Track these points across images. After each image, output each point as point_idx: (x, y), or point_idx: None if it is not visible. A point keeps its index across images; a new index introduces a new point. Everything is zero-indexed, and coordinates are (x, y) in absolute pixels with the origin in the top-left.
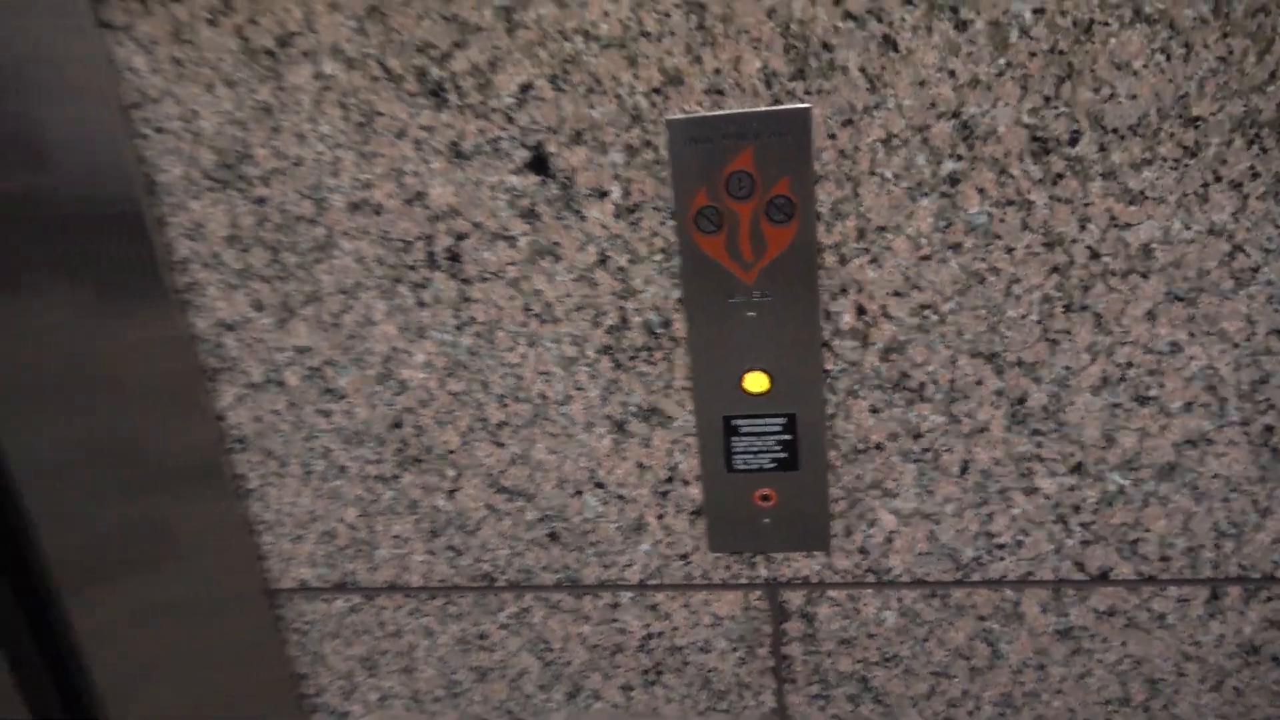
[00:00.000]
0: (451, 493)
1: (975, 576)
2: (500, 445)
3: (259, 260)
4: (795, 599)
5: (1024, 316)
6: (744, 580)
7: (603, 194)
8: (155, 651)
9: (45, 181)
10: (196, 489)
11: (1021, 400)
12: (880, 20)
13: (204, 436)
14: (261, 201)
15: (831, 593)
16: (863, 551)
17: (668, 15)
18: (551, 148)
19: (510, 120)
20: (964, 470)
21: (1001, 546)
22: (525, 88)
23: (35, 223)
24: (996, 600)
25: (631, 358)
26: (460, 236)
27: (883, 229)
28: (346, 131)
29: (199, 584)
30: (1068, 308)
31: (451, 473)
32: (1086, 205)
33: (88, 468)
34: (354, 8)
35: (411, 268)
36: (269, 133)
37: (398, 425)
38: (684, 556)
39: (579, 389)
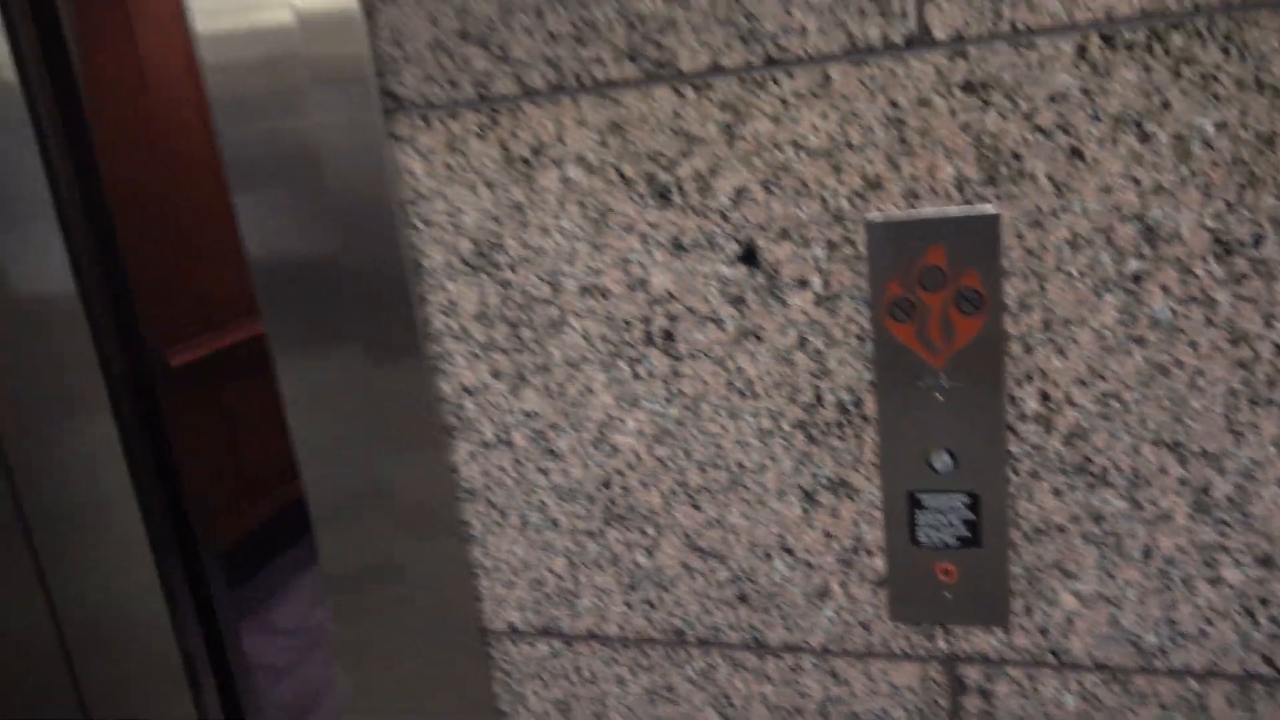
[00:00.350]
0: (650, 550)
1: (1158, 664)
2: (698, 508)
3: (500, 335)
4: (974, 674)
5: (1208, 409)
6: (923, 652)
7: (804, 284)
8: (379, 675)
9: (333, 257)
10: (428, 533)
11: (1206, 490)
12: (1067, 133)
13: (440, 487)
14: (507, 285)
15: (1010, 670)
16: (1043, 631)
17: (870, 129)
18: (761, 243)
19: (725, 219)
20: (1147, 556)
21: (1185, 635)
22: (740, 191)
23: (323, 291)
24: (1180, 690)
25: (824, 433)
26: (675, 319)
27: (1068, 322)
28: (583, 226)
29: (423, 620)
30: (1254, 402)
31: (652, 531)
32: (1272, 304)
33: (354, 511)
34: (598, 124)
35: (630, 345)
36: (519, 226)
37: (606, 485)
38: (865, 625)
39: (773, 459)
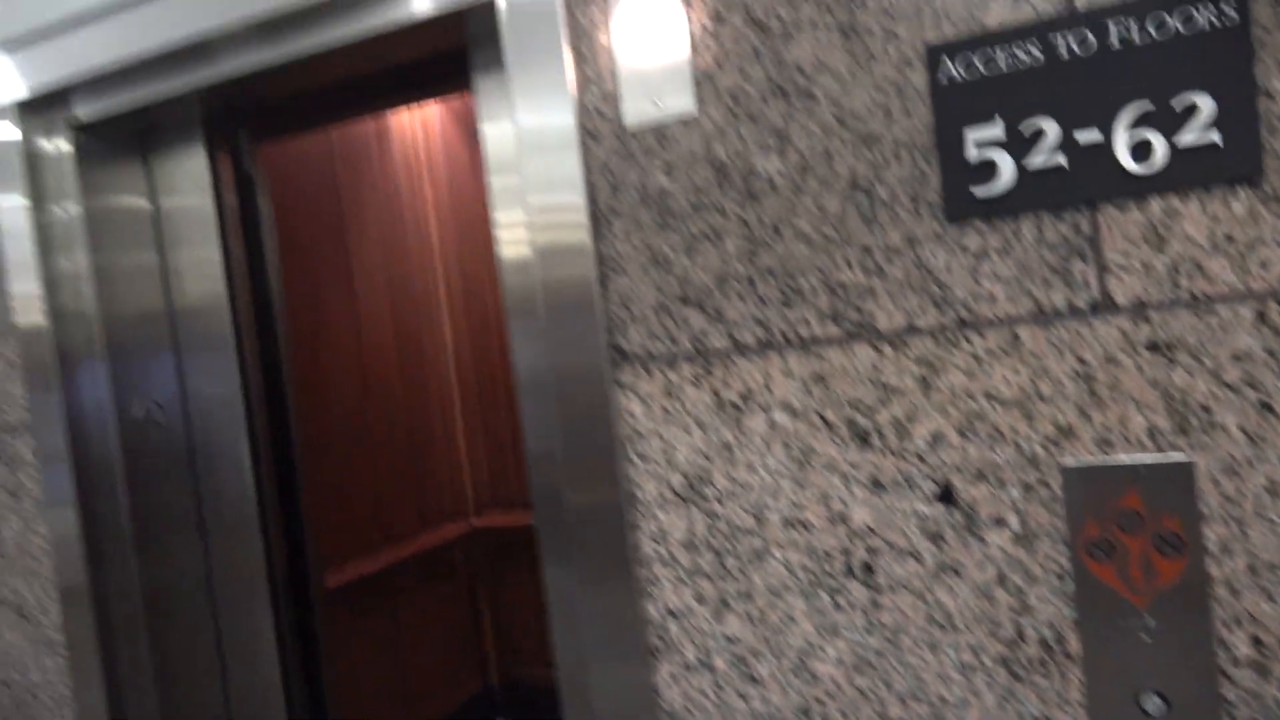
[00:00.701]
0: None
1: None
2: None
3: (706, 562)
4: None
5: None
6: None
7: (1002, 523)
8: None
9: (561, 487)
10: None
11: None
12: (1255, 389)
13: (641, 707)
14: (714, 516)
15: None
16: None
17: (1061, 383)
18: (957, 483)
19: (923, 460)
20: None
21: None
22: (936, 435)
23: (550, 516)
24: None
25: (1027, 669)
26: (874, 552)
27: (1274, 566)
28: (787, 465)
29: None
30: None
31: None
32: None
33: None
34: (803, 375)
35: (831, 576)
36: (727, 463)
37: (806, 713)
38: None
39: (976, 695)
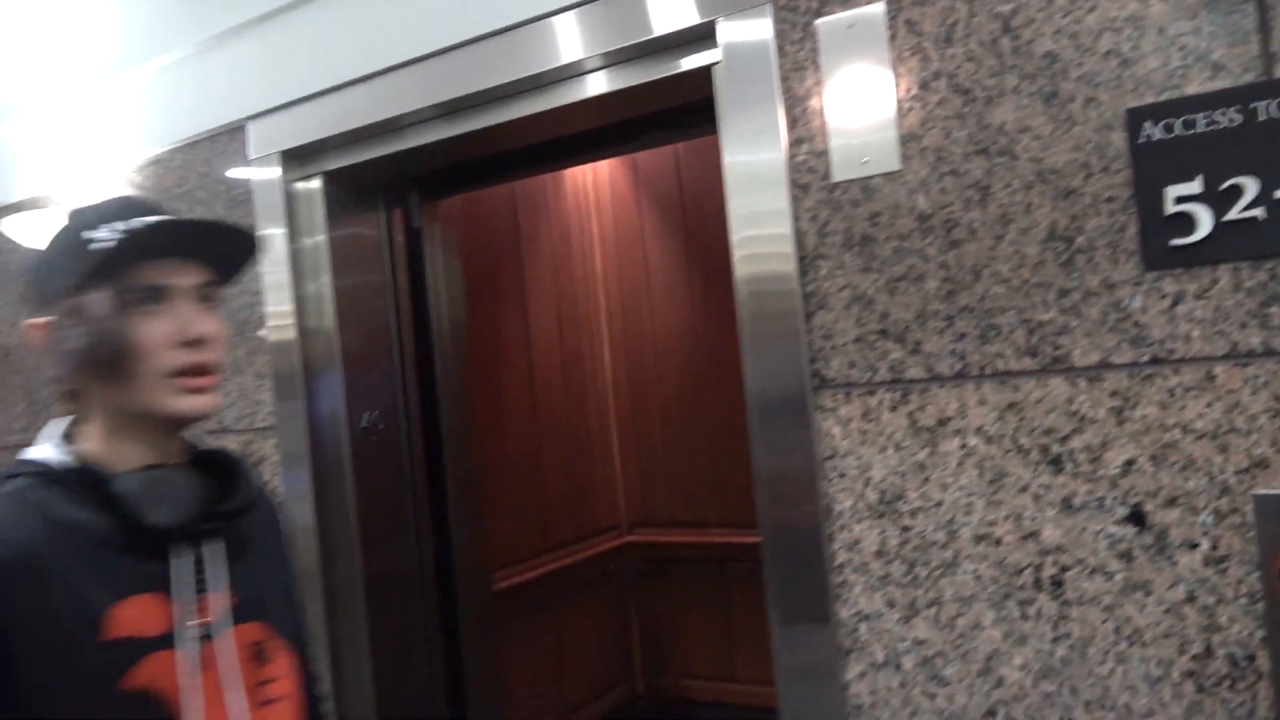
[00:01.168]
0: None
1: None
2: None
3: (897, 571)
4: None
5: None
6: None
7: (1193, 546)
8: None
9: (763, 500)
10: None
11: None
12: None
13: (833, 705)
14: (906, 529)
15: None
16: None
17: (1255, 418)
18: (1148, 507)
19: (1114, 485)
20: None
21: None
22: (1129, 463)
23: (766, 527)
24: None
25: (1215, 684)
26: (1064, 568)
27: None
28: (980, 486)
29: None
30: None
31: None
32: None
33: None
34: (997, 404)
35: (1020, 588)
36: (920, 482)
37: (991, 714)
38: None
39: (1162, 705)
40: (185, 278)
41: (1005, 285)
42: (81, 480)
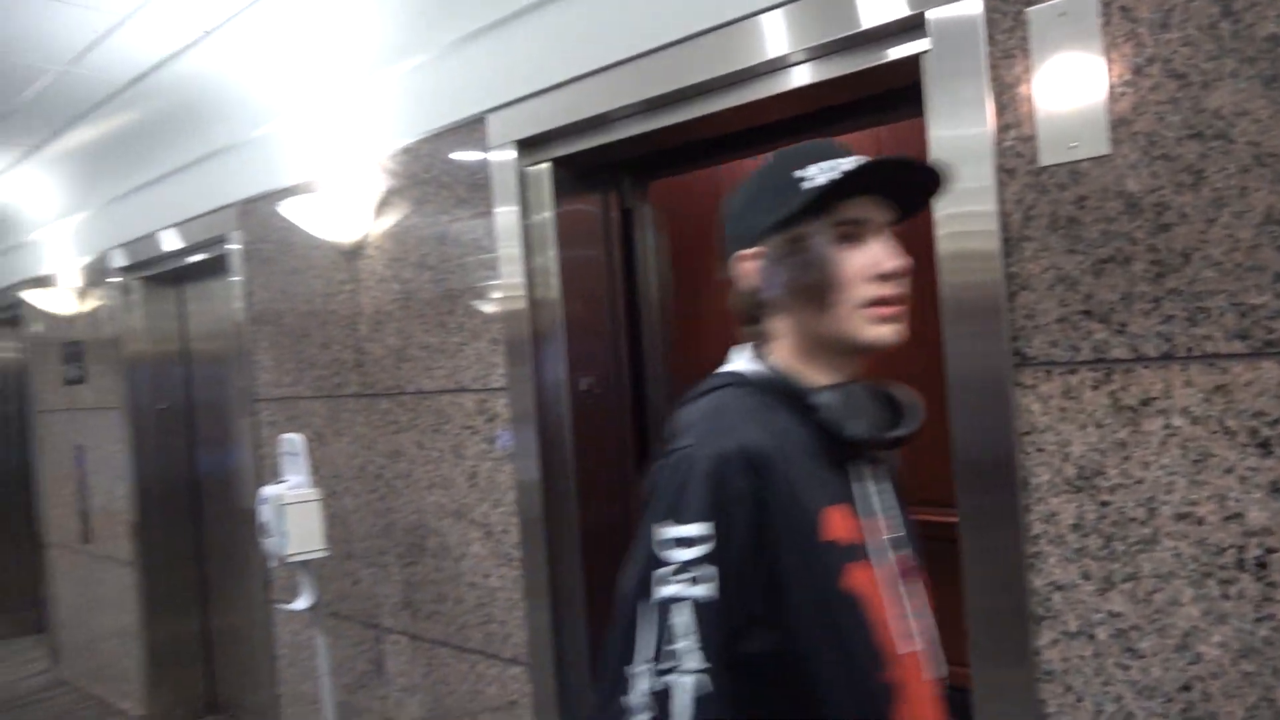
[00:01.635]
0: None
1: None
2: None
3: (1093, 544)
4: None
5: None
6: None
7: None
8: None
9: (962, 472)
10: (1008, 709)
11: None
12: None
13: (1024, 670)
14: (1105, 504)
15: None
16: None
17: None
18: None
19: None
20: None
21: None
22: None
23: (965, 496)
24: None
25: None
26: (1269, 550)
27: None
28: (1183, 465)
29: None
30: None
31: None
32: None
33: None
34: (1204, 386)
35: (1222, 568)
36: (1121, 460)
37: (1187, 689)
38: None
39: None
40: (879, 213)
41: (1217, 269)
42: (785, 391)
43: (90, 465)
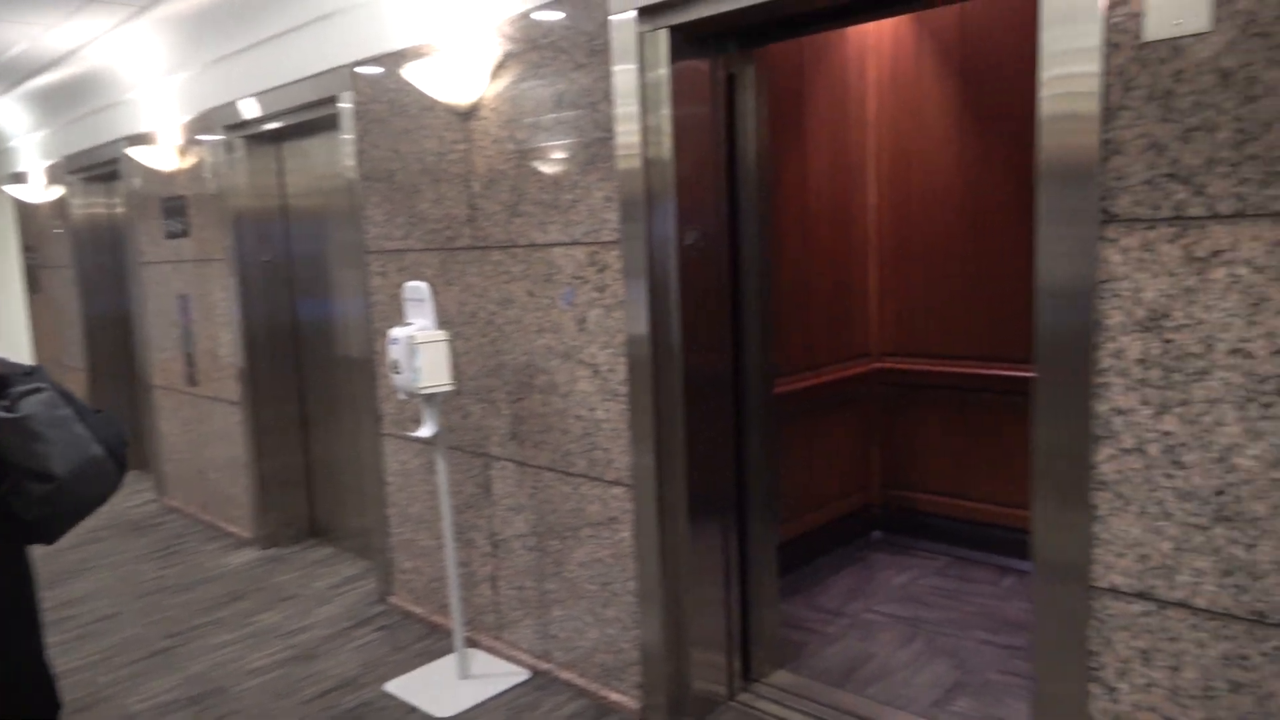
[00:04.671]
0: (1250, 547)
1: None
2: None
3: (1154, 375)
4: None
5: None
6: None
7: None
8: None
9: (1043, 312)
10: (1063, 507)
11: None
12: None
13: (1080, 480)
14: (1168, 342)
15: None
16: None
17: None
18: None
19: None
20: None
21: None
22: None
23: (1043, 337)
24: None
25: None
26: None
27: None
28: (1241, 308)
29: (1044, 571)
30: None
31: (1254, 533)
32: None
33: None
34: (1269, 239)
35: (1264, 393)
36: (1186, 304)
37: (1220, 493)
38: None
39: None
40: None
41: None
42: None
43: (194, 314)
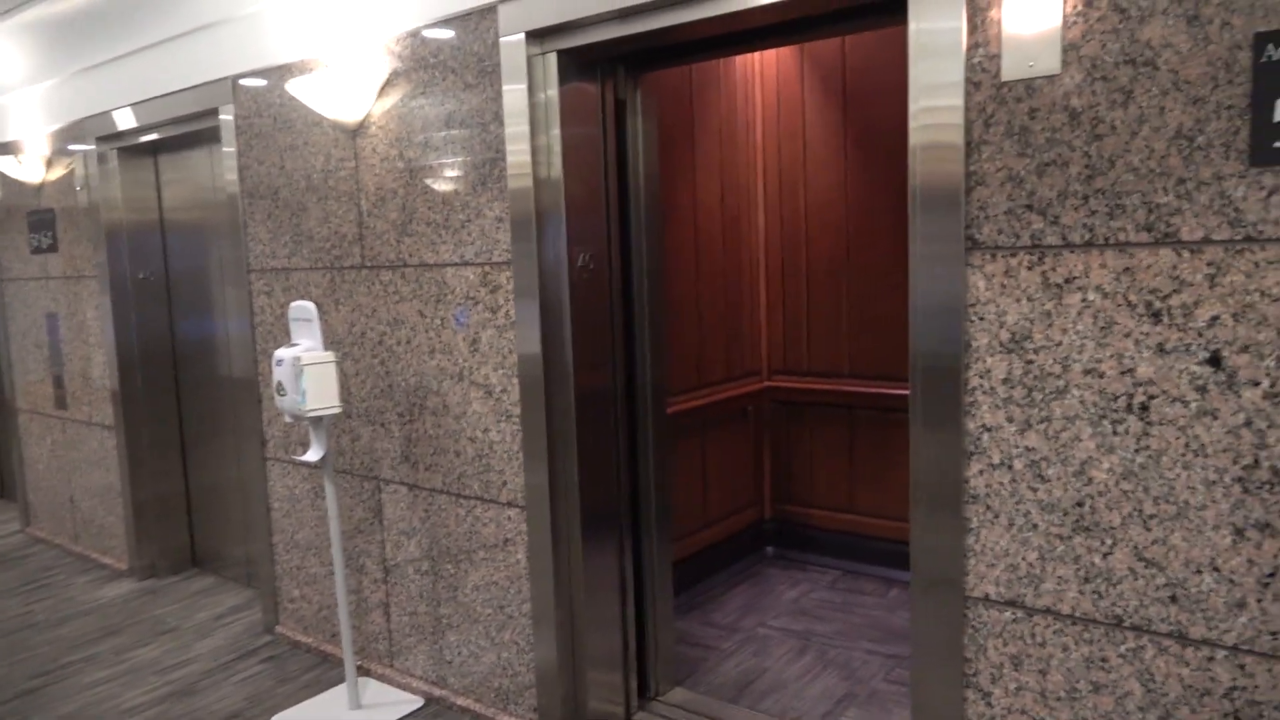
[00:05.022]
0: (1106, 555)
1: None
2: (1148, 529)
3: (1017, 394)
4: None
5: None
6: None
7: (1256, 383)
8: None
9: (915, 337)
10: (935, 524)
11: None
12: None
13: (954, 494)
14: (1030, 362)
15: None
16: None
17: None
18: (1225, 353)
19: (1200, 334)
20: None
21: None
22: (1214, 318)
23: (915, 360)
24: None
25: (1258, 488)
26: (1151, 397)
27: None
28: (1093, 331)
29: (921, 582)
30: None
31: (1109, 541)
32: None
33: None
34: (1115, 267)
35: (1115, 411)
36: (1045, 326)
37: (1080, 504)
38: (1274, 634)
39: (1214, 501)
40: None
41: (1134, 173)
42: None
43: (63, 333)
